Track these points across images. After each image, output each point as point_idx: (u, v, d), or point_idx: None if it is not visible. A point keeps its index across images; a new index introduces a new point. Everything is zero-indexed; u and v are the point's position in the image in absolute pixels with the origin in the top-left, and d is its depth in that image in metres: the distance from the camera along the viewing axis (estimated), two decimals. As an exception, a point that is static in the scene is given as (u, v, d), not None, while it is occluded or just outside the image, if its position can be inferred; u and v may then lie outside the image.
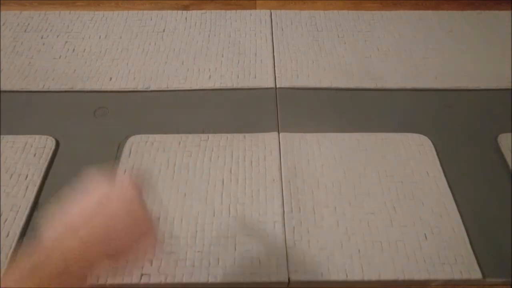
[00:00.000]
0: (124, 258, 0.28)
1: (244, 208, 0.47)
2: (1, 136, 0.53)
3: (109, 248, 0.27)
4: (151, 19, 0.72)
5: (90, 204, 0.28)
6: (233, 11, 0.74)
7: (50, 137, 0.53)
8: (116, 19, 0.72)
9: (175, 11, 0.74)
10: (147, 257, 0.32)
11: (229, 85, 0.61)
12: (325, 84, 0.61)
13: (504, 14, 0.74)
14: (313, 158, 0.52)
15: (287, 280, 0.42)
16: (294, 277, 0.42)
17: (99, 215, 0.27)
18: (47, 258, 0.24)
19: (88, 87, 0.60)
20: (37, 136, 0.53)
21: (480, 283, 0.43)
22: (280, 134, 0.54)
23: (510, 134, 0.54)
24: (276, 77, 0.62)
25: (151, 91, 0.60)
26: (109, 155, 0.52)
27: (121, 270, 0.42)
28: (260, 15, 0.74)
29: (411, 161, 0.52)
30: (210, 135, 0.54)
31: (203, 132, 0.55)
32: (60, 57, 0.65)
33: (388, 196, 0.48)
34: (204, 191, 0.48)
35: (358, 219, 0.46)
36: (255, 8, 0.76)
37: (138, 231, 0.29)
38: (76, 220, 0.26)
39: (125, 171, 0.50)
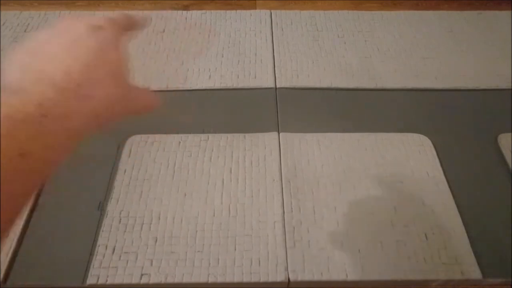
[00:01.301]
0: (109, 112, 0.23)
1: (244, 208, 0.47)
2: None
3: (92, 98, 0.22)
4: (151, 19, 0.72)
5: (61, 45, 0.22)
6: (233, 11, 0.74)
7: (50, 137, 0.53)
8: (116, 19, 0.72)
9: (175, 11, 0.74)
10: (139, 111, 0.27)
11: (229, 85, 0.61)
12: (325, 84, 0.61)
13: (504, 14, 0.74)
14: (313, 158, 0.52)
15: (287, 280, 0.42)
16: (294, 277, 0.42)
17: (75, 58, 0.22)
18: (24, 114, 0.19)
19: (88, 87, 0.60)
20: (37, 136, 0.53)
21: (480, 283, 0.43)
22: (280, 134, 0.54)
23: (510, 134, 0.54)
24: (276, 77, 0.62)
25: (151, 91, 0.60)
26: (109, 155, 0.52)
27: (121, 268, 0.42)
28: (260, 15, 0.74)
29: (411, 161, 0.52)
30: (210, 135, 0.54)
31: (203, 132, 0.55)
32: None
33: (388, 196, 0.48)
34: (204, 191, 0.48)
35: (358, 219, 0.46)
36: (255, 8, 0.76)
37: (122, 80, 0.24)
38: (48, 65, 0.21)
39: (125, 171, 0.50)
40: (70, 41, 0.23)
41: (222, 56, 0.66)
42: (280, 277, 0.42)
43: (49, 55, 0.22)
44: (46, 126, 0.20)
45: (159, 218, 0.46)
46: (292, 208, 0.47)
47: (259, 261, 0.43)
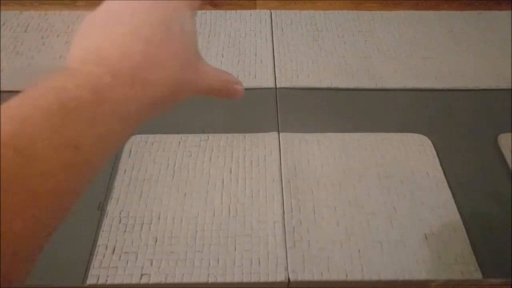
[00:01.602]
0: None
1: (244, 208, 0.47)
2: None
3: (153, 83, 0.19)
4: None
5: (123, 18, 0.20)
6: (233, 11, 0.74)
7: (50, 137, 0.53)
8: (116, 19, 0.72)
9: (175, 11, 0.74)
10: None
11: (229, 85, 0.61)
12: (325, 84, 0.61)
13: (504, 14, 0.74)
14: (313, 158, 0.52)
15: (287, 280, 0.42)
16: (294, 277, 0.42)
17: (136, 34, 0.19)
18: (78, 102, 0.17)
19: (88, 87, 0.60)
20: (37, 136, 0.53)
21: (480, 283, 0.43)
22: (280, 134, 0.54)
23: (510, 134, 0.54)
24: (276, 77, 0.62)
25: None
26: (109, 155, 0.52)
27: (121, 269, 0.42)
28: (260, 15, 0.74)
29: (411, 161, 0.52)
30: (210, 135, 0.54)
31: (203, 132, 0.55)
32: (60, 57, 0.65)
33: (388, 196, 0.48)
34: (204, 191, 0.48)
35: (358, 219, 0.46)
36: (255, 8, 0.76)
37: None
38: (108, 43, 0.19)
39: (125, 171, 0.50)
40: (133, 14, 0.20)
41: (222, 56, 0.66)
42: (280, 277, 0.42)
43: (110, 30, 0.20)
44: (101, 115, 0.17)
45: (159, 218, 0.46)
46: (292, 208, 0.47)
47: (259, 261, 0.43)
